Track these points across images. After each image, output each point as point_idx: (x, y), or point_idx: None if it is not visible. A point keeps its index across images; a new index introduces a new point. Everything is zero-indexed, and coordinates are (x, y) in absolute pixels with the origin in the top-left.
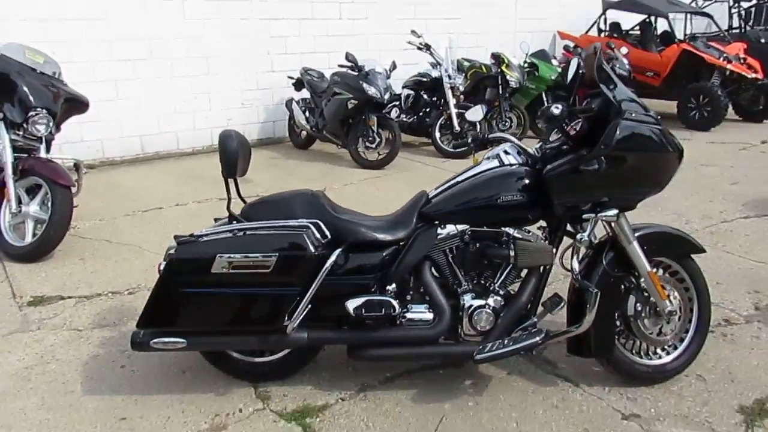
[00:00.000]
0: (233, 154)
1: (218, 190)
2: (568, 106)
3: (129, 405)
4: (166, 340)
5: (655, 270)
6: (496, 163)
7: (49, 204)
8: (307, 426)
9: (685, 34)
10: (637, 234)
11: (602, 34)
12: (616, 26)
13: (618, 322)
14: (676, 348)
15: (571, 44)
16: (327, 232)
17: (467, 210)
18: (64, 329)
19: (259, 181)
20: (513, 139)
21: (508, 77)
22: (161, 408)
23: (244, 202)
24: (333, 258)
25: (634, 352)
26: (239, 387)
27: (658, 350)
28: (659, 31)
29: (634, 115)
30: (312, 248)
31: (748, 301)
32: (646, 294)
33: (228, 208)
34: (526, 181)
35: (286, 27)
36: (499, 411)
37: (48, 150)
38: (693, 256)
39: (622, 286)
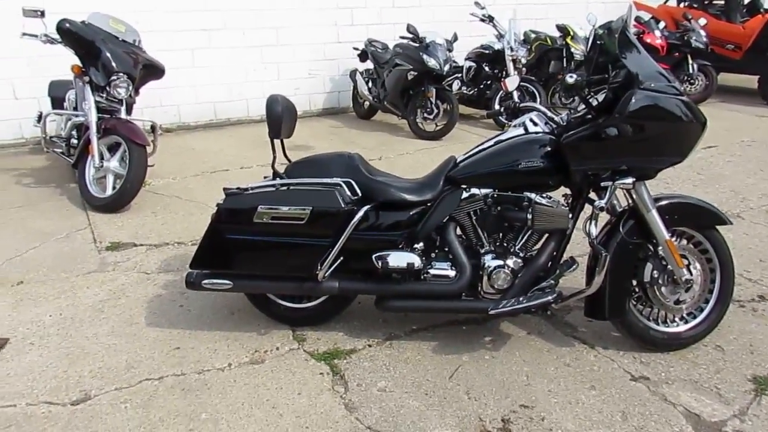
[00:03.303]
0: (278, 117)
1: (279, 156)
2: (586, 76)
3: (183, 337)
4: (215, 281)
5: (673, 238)
6: (521, 130)
7: (127, 160)
8: (335, 366)
9: None
10: (659, 203)
11: (682, 4)
12: None
13: (636, 289)
14: (694, 317)
15: (646, 16)
16: (358, 191)
17: (490, 174)
18: (135, 271)
19: (318, 149)
20: (542, 108)
21: (572, 50)
22: (210, 342)
23: (289, 161)
24: (360, 213)
25: (651, 318)
26: (279, 329)
27: (676, 318)
28: (747, 0)
29: (653, 85)
30: (342, 204)
31: None
32: (663, 262)
33: (273, 165)
34: (548, 148)
35: None
36: (513, 365)
37: (129, 112)
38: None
39: (640, 253)
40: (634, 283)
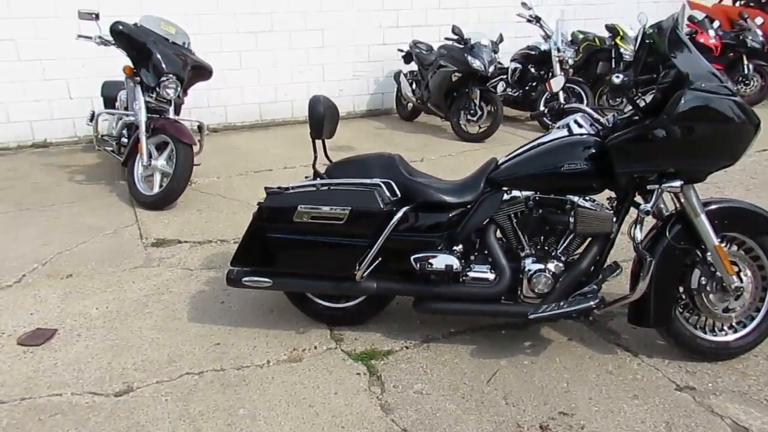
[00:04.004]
0: (320, 117)
1: (321, 156)
2: (633, 76)
3: (224, 333)
4: (255, 278)
5: (723, 244)
6: (565, 132)
7: (174, 159)
8: (372, 366)
9: None
10: (708, 208)
11: (737, 3)
12: None
13: (682, 296)
14: (744, 326)
15: (699, 15)
16: (398, 191)
17: (532, 176)
18: (179, 268)
19: (361, 150)
20: (587, 109)
21: (622, 50)
22: (249, 339)
23: (330, 161)
24: (399, 214)
25: (698, 326)
26: (317, 328)
27: (724, 327)
28: None
29: (703, 85)
30: (381, 204)
31: None
32: (712, 268)
33: (313, 165)
34: (592, 151)
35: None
36: (553, 371)
37: (177, 112)
38: None
39: (687, 259)
40: (681, 289)
